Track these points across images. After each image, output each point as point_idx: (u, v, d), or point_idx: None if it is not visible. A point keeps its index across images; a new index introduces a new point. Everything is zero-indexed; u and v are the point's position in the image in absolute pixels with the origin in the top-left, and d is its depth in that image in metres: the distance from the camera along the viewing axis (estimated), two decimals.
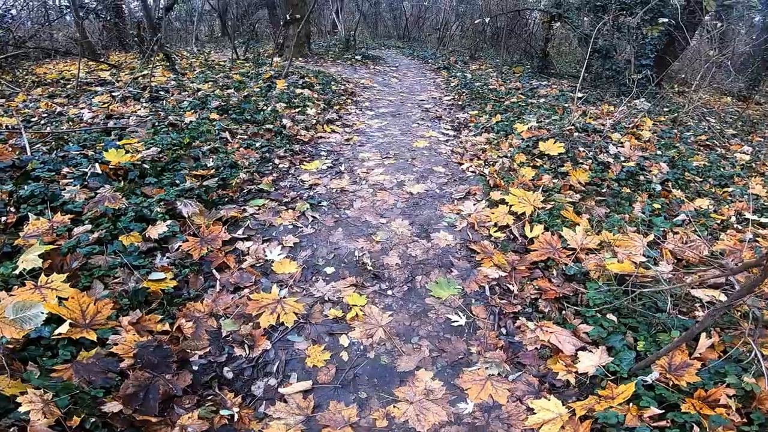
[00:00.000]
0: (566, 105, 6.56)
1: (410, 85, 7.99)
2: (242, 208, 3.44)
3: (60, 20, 12.57)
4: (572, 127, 5.11)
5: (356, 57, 10.32)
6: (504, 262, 3.11)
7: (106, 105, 5.47)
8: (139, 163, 3.65)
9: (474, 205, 3.60)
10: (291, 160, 4.20)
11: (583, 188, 4.18)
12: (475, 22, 10.84)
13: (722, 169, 5.07)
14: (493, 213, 3.50)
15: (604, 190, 4.17)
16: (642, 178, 4.57)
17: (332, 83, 6.92)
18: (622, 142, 5.13)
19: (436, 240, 3.21)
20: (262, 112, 5.09)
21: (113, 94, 5.73)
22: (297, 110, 5.34)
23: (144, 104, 5.44)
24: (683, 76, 12.37)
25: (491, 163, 4.43)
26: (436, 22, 15.93)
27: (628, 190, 4.29)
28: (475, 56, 12.01)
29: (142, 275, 2.48)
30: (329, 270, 2.86)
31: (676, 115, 6.88)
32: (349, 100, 6.38)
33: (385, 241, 3.16)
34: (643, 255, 3.20)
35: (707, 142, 6.27)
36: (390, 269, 2.95)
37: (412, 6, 17.47)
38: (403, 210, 3.49)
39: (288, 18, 10.01)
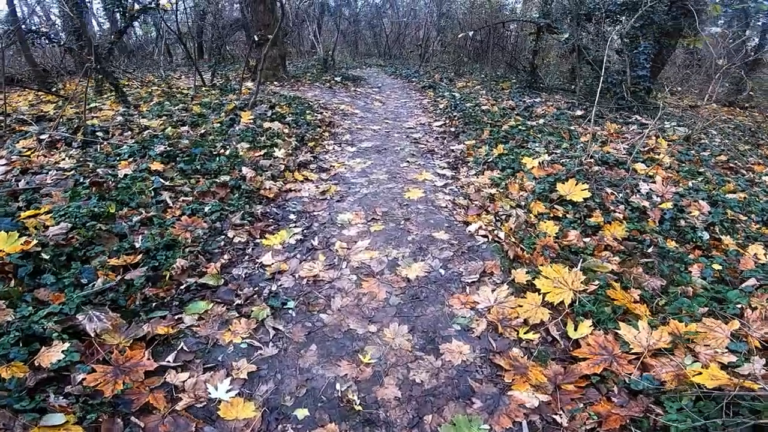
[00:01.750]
0: (571, 128, 5.57)
1: (395, 108, 6.95)
2: (176, 317, 2.34)
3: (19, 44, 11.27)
4: (591, 161, 4.11)
5: (335, 78, 9.27)
6: (543, 379, 2.08)
7: (29, 152, 4.31)
8: (37, 251, 2.53)
9: (493, 292, 2.55)
10: (250, 230, 3.09)
11: (621, 247, 3.16)
12: (459, 36, 9.88)
13: (758, 200, 4.16)
14: (520, 305, 2.44)
15: (648, 248, 3.15)
16: (683, 222, 3.58)
17: (307, 112, 5.84)
18: (650, 176, 4.14)
19: (448, 354, 2.16)
20: (218, 158, 3.98)
21: (41, 136, 4.56)
22: (263, 152, 4.23)
23: (74, 151, 4.29)
24: (678, 87, 11.60)
25: (503, 217, 3.38)
26: (417, 39, 15.01)
27: (675, 244, 3.29)
28: (459, 72, 11.06)
29: (31, 420, 1.44)
30: (301, 413, 1.84)
31: (689, 132, 5.96)
32: (326, 133, 5.30)
33: (378, 361, 2.11)
34: (728, 349, 2.22)
35: (729, 163, 5.34)
36: (387, 407, 1.92)
37: (391, 23, 16.52)
38: (398, 308, 2.42)
39: (260, 39, 8.90)
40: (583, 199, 3.56)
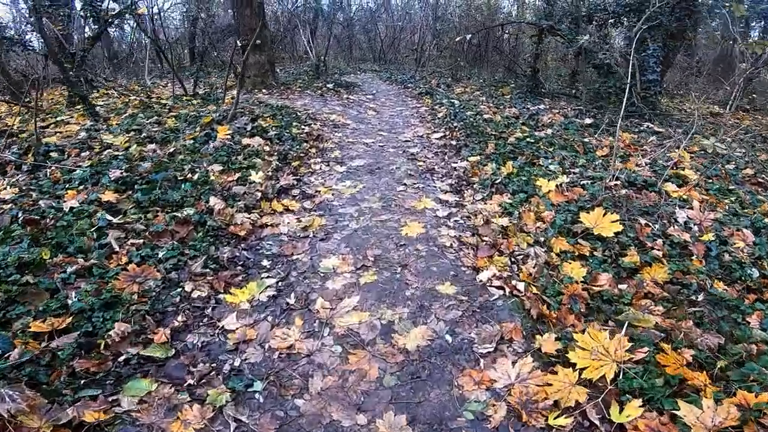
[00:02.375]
0: (585, 140, 4.97)
1: (390, 118, 6.33)
2: (111, 398, 1.76)
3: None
4: (617, 183, 3.51)
5: (327, 85, 8.65)
6: None
7: None
8: None
9: (514, 365, 1.96)
10: (213, 281, 2.48)
11: (664, 293, 2.58)
12: (456, 40, 9.28)
13: None
14: (549, 383, 1.85)
15: (696, 294, 2.56)
16: (728, 257, 3.00)
17: (294, 124, 5.22)
18: (684, 199, 3.54)
19: None
20: (184, 185, 3.35)
21: None
22: (237, 176, 3.61)
23: (22, 176, 3.66)
24: (679, 91, 11.05)
25: (520, 258, 2.78)
26: (412, 43, 14.42)
27: (724, 287, 2.70)
28: (456, 77, 10.46)
29: None
30: None
31: (712, 142, 5.38)
32: (313, 149, 4.68)
33: None
34: None
35: (757, 178, 4.76)
36: None
37: (386, 27, 15.91)
38: (395, 391, 1.83)
39: (247, 44, 8.27)
40: (615, 232, 2.97)
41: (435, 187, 3.81)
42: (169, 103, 6.34)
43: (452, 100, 7.16)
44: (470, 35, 9.32)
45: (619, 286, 2.60)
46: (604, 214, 3.04)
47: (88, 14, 6.77)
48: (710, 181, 4.37)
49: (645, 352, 2.00)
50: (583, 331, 2.10)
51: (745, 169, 4.94)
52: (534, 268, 2.73)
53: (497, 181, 3.77)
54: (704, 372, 1.97)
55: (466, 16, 11.07)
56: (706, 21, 11.62)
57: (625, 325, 2.12)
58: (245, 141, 4.39)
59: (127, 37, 15.00)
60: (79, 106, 6.32)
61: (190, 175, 3.52)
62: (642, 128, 6.51)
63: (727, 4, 6.84)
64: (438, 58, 12.15)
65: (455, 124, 5.53)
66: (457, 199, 3.58)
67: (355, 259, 2.70)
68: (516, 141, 4.87)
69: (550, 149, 4.63)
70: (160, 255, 2.61)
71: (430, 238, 2.97)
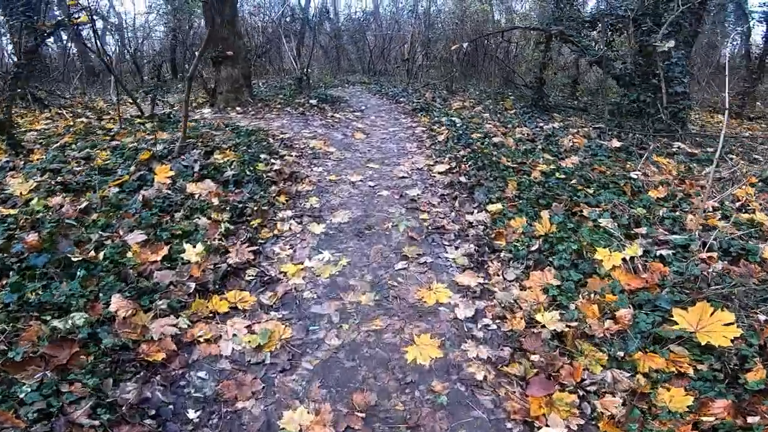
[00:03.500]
0: (633, 177, 3.86)
1: (382, 142, 5.18)
2: None
3: None
4: (713, 255, 2.40)
5: (310, 101, 7.49)
6: None
7: None
8: None
9: None
10: None
11: None
12: (452, 48, 8.19)
13: None
14: None
15: None
16: None
17: (261, 158, 4.04)
18: None
19: None
20: (79, 272, 2.17)
21: None
22: (165, 251, 2.43)
23: None
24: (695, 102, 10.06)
25: (592, 391, 1.66)
26: (403, 53, 13.33)
27: None
28: (452, 89, 9.36)
29: None
30: None
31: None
32: (282, 196, 3.51)
33: None
34: None
35: None
36: None
37: (375, 37, 14.79)
38: None
39: (217, 56, 7.10)
40: (732, 338, 1.86)
41: (448, 258, 2.66)
42: (117, 128, 5.12)
43: (452, 118, 6.04)
44: (467, 43, 8.24)
45: (747, 419, 1.50)
46: (713, 312, 1.93)
47: (24, 25, 5.54)
48: None
49: None
50: None
51: None
52: (617, 407, 1.61)
53: (533, 248, 2.64)
54: None
55: (461, 22, 10.00)
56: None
57: None
58: (190, 188, 3.21)
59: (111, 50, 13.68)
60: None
61: (93, 253, 2.33)
62: (673, 150, 5.45)
63: None
64: (428, 69, 11.06)
65: (461, 152, 4.40)
66: (481, 279, 2.43)
67: (335, 411, 1.54)
68: (542, 177, 3.76)
69: (589, 189, 3.51)
70: (22, 395, 1.44)
71: (451, 366, 1.81)
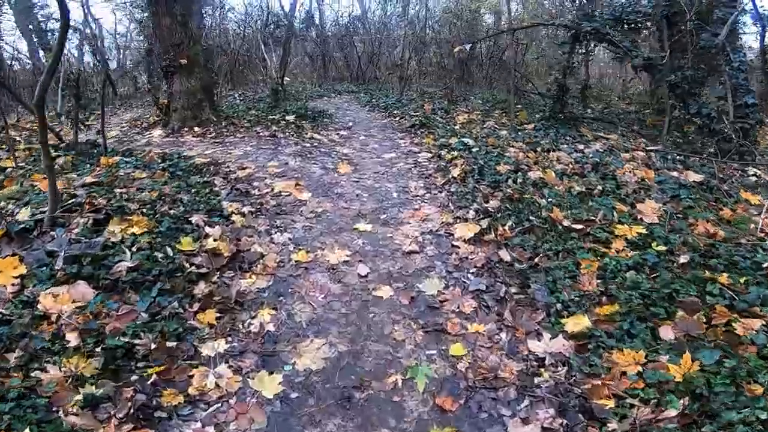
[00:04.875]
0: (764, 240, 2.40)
1: (376, 181, 3.63)
2: None
3: None
4: None
5: (287, 117, 5.94)
6: None
7: None
8: None
9: None
10: None
11: None
12: (455, 50, 6.71)
13: None
14: None
15: None
16: None
17: (190, 223, 2.50)
18: None
19: None
20: None
21: None
22: None
23: None
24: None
25: None
26: (393, 58, 11.83)
27: None
28: (452, 98, 7.88)
29: None
30: None
31: None
32: (210, 314, 1.98)
33: None
34: None
35: None
36: None
37: (363, 42, 13.26)
38: None
39: (168, 66, 5.52)
40: None
41: None
42: (12, 167, 3.54)
43: (464, 139, 4.54)
44: (470, 45, 6.76)
45: None
46: None
47: None
48: None
49: None
50: None
51: None
52: None
53: (670, 413, 1.16)
54: None
55: (459, 21, 8.53)
56: None
57: None
58: (45, 301, 1.67)
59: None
60: None
61: None
62: (749, 178, 4.02)
63: None
64: (422, 76, 9.57)
65: (490, 201, 2.90)
66: None
67: None
68: (629, 247, 2.28)
69: (722, 275, 2.04)
70: None
71: None
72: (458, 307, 2.08)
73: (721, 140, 4.42)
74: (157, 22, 5.52)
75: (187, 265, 2.22)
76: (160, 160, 3.70)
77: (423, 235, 2.62)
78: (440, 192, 3.26)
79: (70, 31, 10.30)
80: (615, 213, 2.71)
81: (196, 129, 5.58)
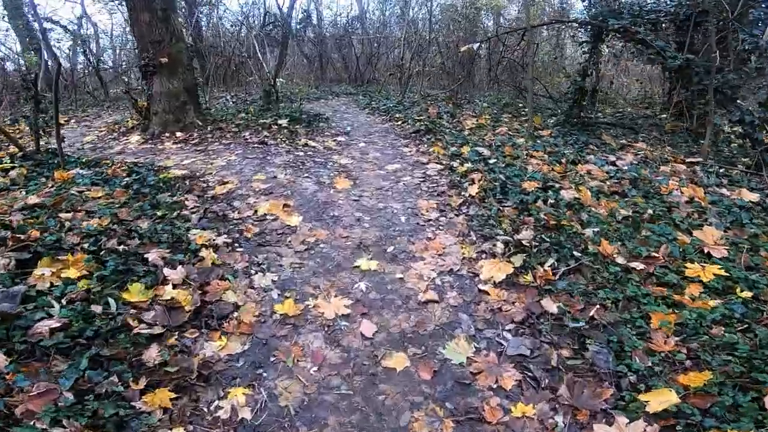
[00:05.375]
0: None
1: (380, 200, 3.08)
2: None
3: None
4: None
5: (279, 120, 5.38)
6: None
7: None
8: None
9: None
10: None
11: None
12: (462, 49, 6.18)
13: None
14: None
15: None
16: None
17: (145, 262, 1.94)
18: None
19: None
20: None
21: None
22: None
23: None
24: None
25: None
26: (393, 59, 11.31)
27: None
28: (457, 101, 7.35)
29: None
30: None
31: None
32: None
33: None
34: None
35: None
36: None
37: (362, 43, 12.72)
38: None
39: (147, 65, 4.95)
40: None
41: None
42: None
43: (477, 148, 4.00)
44: (477, 44, 6.23)
45: None
46: None
47: None
48: None
49: None
50: None
51: None
52: None
53: None
54: None
55: (464, 19, 8.01)
56: None
57: None
58: None
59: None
60: None
61: None
62: None
63: None
64: (429, 77, 9.05)
65: (521, 229, 2.36)
66: None
67: None
68: (704, 291, 1.75)
69: None
70: None
71: None
72: (496, 382, 1.54)
73: (764, 151, 3.91)
74: (135, 18, 4.95)
75: (135, 323, 1.66)
76: (125, 174, 3.14)
77: (441, 276, 2.07)
78: (457, 215, 2.71)
79: (62, 30, 9.70)
80: (676, 247, 2.18)
81: (178, 134, 5.02)
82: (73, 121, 7.42)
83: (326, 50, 13.37)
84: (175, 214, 2.51)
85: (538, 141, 4.45)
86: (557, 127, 5.43)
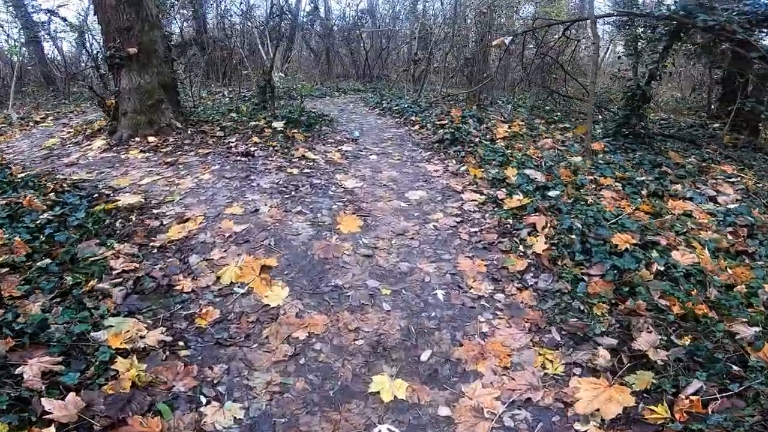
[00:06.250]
0: None
1: (400, 254, 2.10)
2: None
3: None
4: None
5: (274, 123, 4.44)
6: None
7: None
8: None
9: None
10: None
11: None
12: (494, 44, 5.21)
13: None
14: None
15: None
16: None
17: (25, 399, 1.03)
18: None
19: None
20: None
21: None
22: None
23: None
24: None
25: None
26: (404, 54, 10.32)
27: None
28: (480, 102, 6.38)
29: None
30: None
31: None
32: None
33: None
34: None
35: None
36: None
37: (371, 37, 11.72)
38: None
39: (114, 56, 4.03)
40: None
41: None
42: None
43: (526, 170, 3.06)
44: (510, 38, 5.26)
45: None
46: None
47: None
48: None
49: None
50: None
51: None
52: None
53: None
54: None
55: (489, 11, 7.00)
56: None
57: None
58: None
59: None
60: None
61: None
62: None
63: None
64: (452, 75, 8.08)
65: (631, 324, 1.44)
66: None
67: None
68: None
69: None
70: None
71: None
72: None
73: None
74: (100, 3, 4.01)
75: None
76: (47, 205, 2.22)
77: (512, 409, 1.15)
78: (519, 289, 1.77)
79: (64, 25, 8.72)
80: None
81: (150, 139, 4.11)
82: (50, 118, 6.53)
83: (334, 44, 12.39)
84: (91, 284, 1.60)
85: (604, 164, 3.46)
86: (607, 138, 4.47)
